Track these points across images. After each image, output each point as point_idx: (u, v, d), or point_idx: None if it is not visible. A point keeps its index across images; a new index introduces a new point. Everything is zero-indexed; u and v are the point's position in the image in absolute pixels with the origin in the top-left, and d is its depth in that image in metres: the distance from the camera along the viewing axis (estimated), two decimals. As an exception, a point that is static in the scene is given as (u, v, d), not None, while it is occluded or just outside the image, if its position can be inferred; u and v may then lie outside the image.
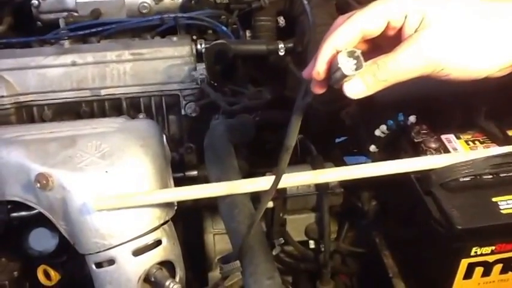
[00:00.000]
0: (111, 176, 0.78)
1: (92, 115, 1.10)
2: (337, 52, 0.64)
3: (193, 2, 1.25)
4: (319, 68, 0.65)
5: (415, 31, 0.66)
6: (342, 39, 0.65)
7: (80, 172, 0.78)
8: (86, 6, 1.25)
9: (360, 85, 0.66)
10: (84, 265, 0.84)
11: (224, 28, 1.19)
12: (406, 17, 0.66)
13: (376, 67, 0.66)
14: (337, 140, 1.19)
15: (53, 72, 1.08)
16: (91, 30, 1.18)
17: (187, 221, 1.09)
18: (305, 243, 1.09)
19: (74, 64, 1.08)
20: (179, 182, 0.90)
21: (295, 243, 1.07)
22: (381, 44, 0.70)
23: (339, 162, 1.09)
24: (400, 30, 0.67)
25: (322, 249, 1.06)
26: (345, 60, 0.62)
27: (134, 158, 0.80)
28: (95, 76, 1.09)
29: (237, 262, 0.71)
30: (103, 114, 1.10)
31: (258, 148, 1.25)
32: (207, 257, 1.15)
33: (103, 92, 1.09)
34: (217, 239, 1.14)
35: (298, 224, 1.08)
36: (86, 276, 0.88)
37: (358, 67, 0.61)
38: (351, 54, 0.62)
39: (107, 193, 0.77)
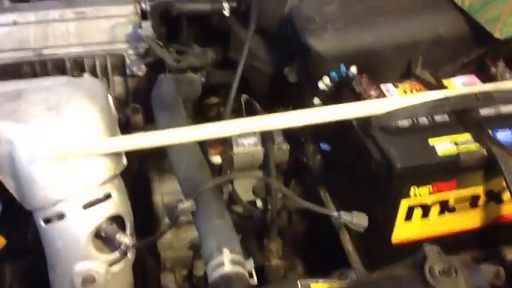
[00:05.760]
0: (59, 126, 0.77)
1: (34, 76, 1.07)
2: None
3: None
4: None
5: None
6: None
7: (27, 124, 0.76)
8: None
9: None
10: (29, 231, 0.83)
11: (168, -14, 1.18)
12: None
13: None
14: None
15: (-8, 31, 1.05)
16: (32, -11, 1.14)
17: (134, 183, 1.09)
18: (253, 204, 1.11)
19: (15, 23, 1.05)
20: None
21: (242, 201, 1.08)
22: None
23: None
24: None
25: (269, 207, 1.08)
26: None
27: (82, 108, 0.80)
28: (37, 36, 1.06)
29: (189, 203, 0.72)
30: (46, 74, 1.07)
31: (204, 112, 1.26)
32: (156, 218, 1.16)
33: (45, 51, 1.06)
34: (165, 200, 1.15)
35: (245, 184, 1.09)
36: (32, 241, 0.87)
37: None
38: None
39: (55, 144, 0.76)
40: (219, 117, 1.05)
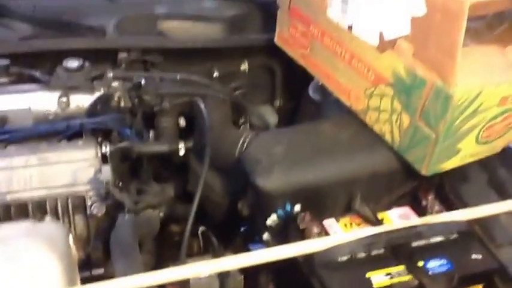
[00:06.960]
0: (16, 279, 0.79)
1: (-3, 220, 1.11)
2: None
3: (98, 107, 1.33)
4: None
5: None
6: None
7: (-17, 280, 0.79)
8: (-9, 114, 1.27)
9: None
10: None
11: (128, 131, 1.25)
12: None
13: None
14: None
15: (-43, 179, 1.09)
16: (-3, 138, 1.20)
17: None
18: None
19: (-21, 171, 1.10)
20: (86, 281, 0.93)
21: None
22: None
23: (242, 250, 1.17)
24: None
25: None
26: None
27: (40, 258, 0.82)
28: (1, 182, 1.11)
29: None
30: (9, 218, 1.11)
31: (165, 241, 1.31)
32: None
33: (8, 197, 1.11)
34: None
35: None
36: None
37: None
38: None
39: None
40: (180, 244, 1.09)
